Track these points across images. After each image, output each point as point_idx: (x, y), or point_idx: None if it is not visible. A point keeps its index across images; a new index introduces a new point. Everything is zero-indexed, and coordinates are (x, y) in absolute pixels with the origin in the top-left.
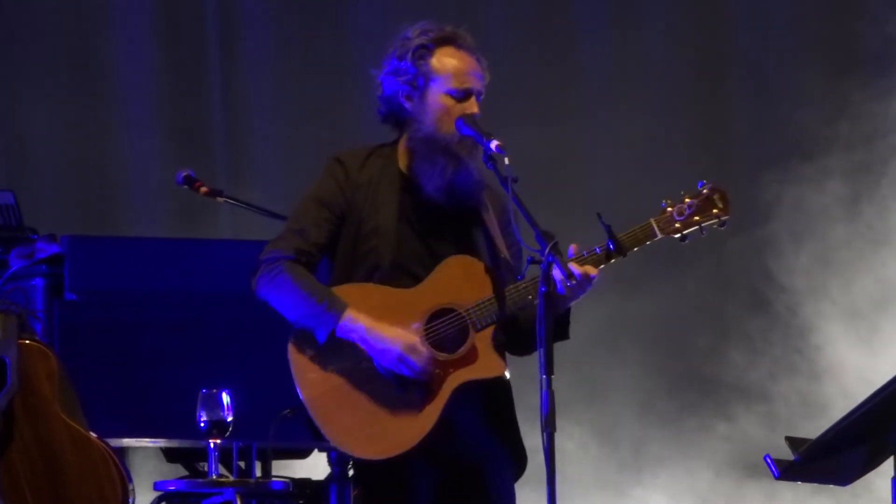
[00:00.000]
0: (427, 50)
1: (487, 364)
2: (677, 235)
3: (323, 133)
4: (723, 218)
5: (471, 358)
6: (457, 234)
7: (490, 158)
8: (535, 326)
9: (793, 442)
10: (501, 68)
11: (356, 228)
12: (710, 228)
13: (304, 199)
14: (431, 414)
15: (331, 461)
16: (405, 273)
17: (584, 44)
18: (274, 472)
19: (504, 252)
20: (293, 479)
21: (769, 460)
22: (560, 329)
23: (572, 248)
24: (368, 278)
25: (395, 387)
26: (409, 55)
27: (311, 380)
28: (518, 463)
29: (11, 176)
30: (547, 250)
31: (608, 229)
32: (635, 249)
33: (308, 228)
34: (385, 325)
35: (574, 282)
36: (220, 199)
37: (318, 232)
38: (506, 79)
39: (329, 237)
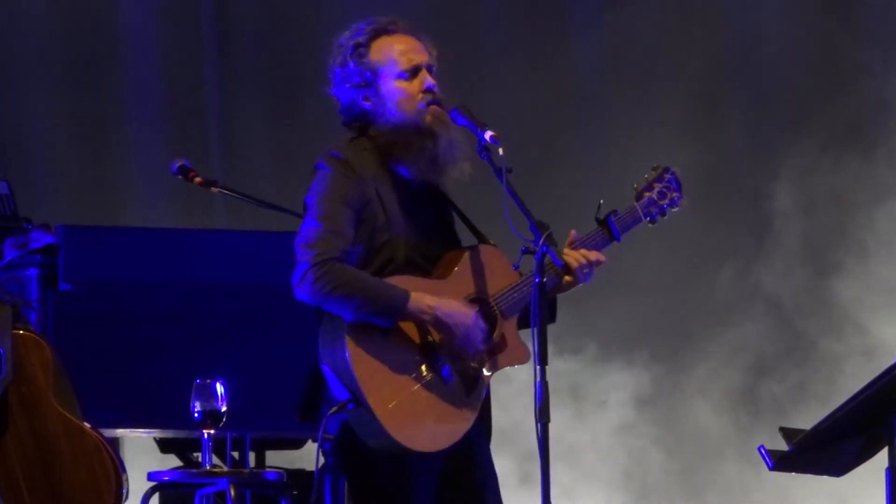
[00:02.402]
0: (363, 47)
1: (516, 352)
2: (648, 219)
3: (316, 125)
4: (680, 199)
5: (501, 347)
6: (448, 225)
7: (484, 149)
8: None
9: (787, 433)
10: (493, 62)
11: (371, 223)
12: (669, 211)
13: (327, 200)
14: (474, 405)
15: (325, 451)
16: (413, 265)
17: (577, 33)
18: (268, 463)
19: (490, 239)
20: (287, 470)
21: (763, 451)
22: (550, 312)
23: (574, 234)
24: (382, 270)
25: (442, 379)
26: (349, 57)
27: (369, 373)
28: (490, 433)
29: (6, 165)
30: (541, 240)
31: (610, 216)
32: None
33: (344, 229)
34: (453, 302)
35: (591, 269)
36: (214, 189)
37: (351, 231)
38: (497, 72)
39: (355, 234)
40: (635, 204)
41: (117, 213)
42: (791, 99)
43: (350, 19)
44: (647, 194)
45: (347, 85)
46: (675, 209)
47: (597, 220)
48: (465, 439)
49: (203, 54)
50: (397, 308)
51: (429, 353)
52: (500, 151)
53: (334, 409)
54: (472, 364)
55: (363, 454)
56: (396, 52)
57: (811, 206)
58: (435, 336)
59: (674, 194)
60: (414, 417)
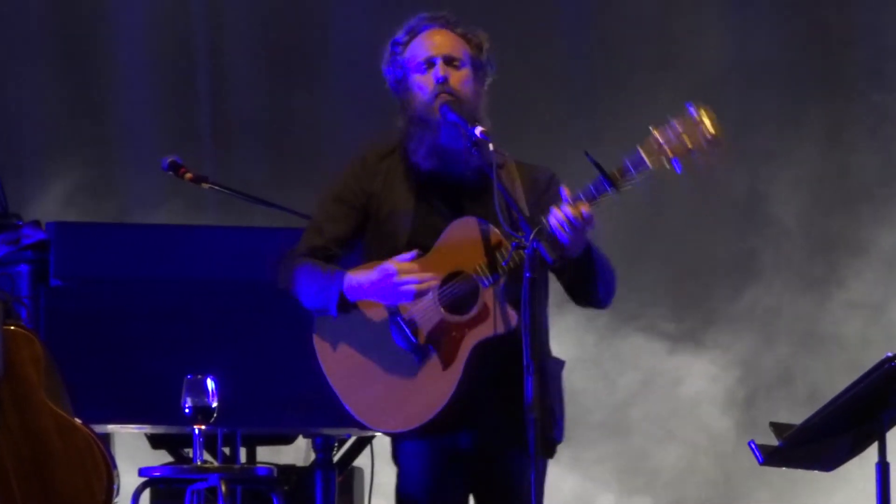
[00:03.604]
0: (400, 45)
1: (500, 318)
2: (668, 166)
3: (307, 121)
4: (712, 137)
5: (484, 316)
6: (471, 203)
7: (475, 144)
8: (578, 275)
9: (777, 428)
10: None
11: (376, 215)
12: (702, 151)
13: (322, 197)
14: (452, 376)
15: (315, 447)
16: (424, 249)
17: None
18: (259, 459)
19: (525, 212)
20: (278, 465)
21: (753, 446)
22: (587, 270)
23: (564, 190)
24: (390, 256)
25: (417, 358)
26: (389, 57)
27: (335, 364)
28: (546, 447)
29: None
30: (532, 236)
31: (597, 166)
32: (626, 185)
33: (323, 224)
34: (372, 269)
35: (570, 226)
36: (205, 186)
37: (333, 226)
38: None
39: (349, 229)
40: (638, 148)
41: (108, 209)
42: (785, 93)
43: (341, 12)
44: (656, 134)
45: (392, 83)
46: (710, 147)
47: (598, 169)
48: (504, 445)
49: (194, 50)
50: (333, 288)
51: (400, 334)
52: (490, 147)
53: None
54: (450, 334)
55: (396, 449)
56: (419, 46)
57: (810, 201)
58: (402, 312)
59: (702, 130)
60: (382, 399)
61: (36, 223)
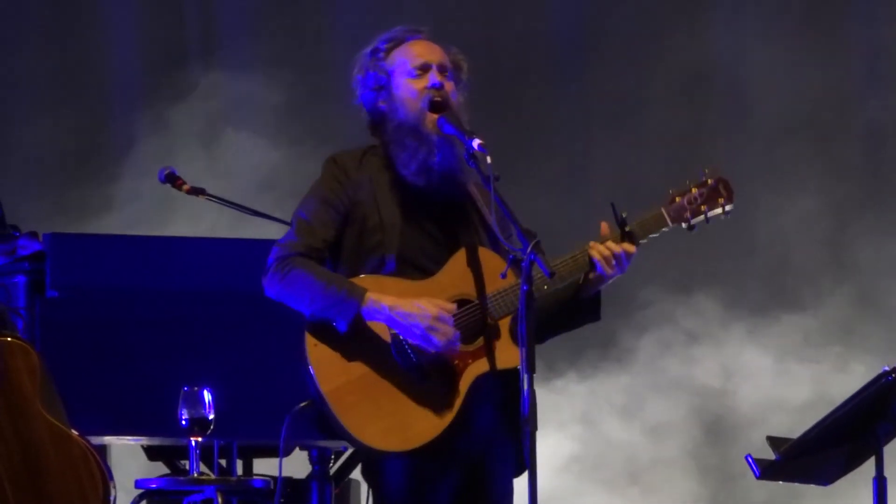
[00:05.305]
0: (381, 51)
1: (504, 355)
2: (685, 225)
3: (300, 116)
4: (727, 207)
5: (489, 349)
6: (458, 224)
7: (472, 157)
8: (551, 313)
9: (774, 441)
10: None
11: (361, 224)
12: (715, 218)
13: (308, 199)
14: (452, 405)
15: (312, 459)
16: (412, 265)
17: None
18: (255, 470)
19: (502, 240)
20: (274, 478)
21: (750, 460)
22: (592, 310)
23: (603, 225)
24: (375, 272)
25: (415, 378)
26: (367, 63)
27: (330, 372)
28: (520, 460)
29: None
30: (529, 249)
31: (621, 220)
32: (645, 239)
33: (316, 226)
34: (409, 301)
35: (616, 262)
36: (201, 197)
37: (325, 230)
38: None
39: (336, 234)
40: (661, 209)
41: (105, 220)
42: (776, 103)
43: (336, 17)
44: (679, 199)
45: (366, 91)
46: (723, 216)
47: (619, 223)
48: (482, 457)
49: (190, 55)
50: (350, 304)
51: (400, 351)
52: (488, 160)
53: (295, 409)
54: (453, 362)
55: (386, 463)
56: (409, 53)
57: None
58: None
59: (720, 200)
60: (377, 416)
61: (32, 234)
